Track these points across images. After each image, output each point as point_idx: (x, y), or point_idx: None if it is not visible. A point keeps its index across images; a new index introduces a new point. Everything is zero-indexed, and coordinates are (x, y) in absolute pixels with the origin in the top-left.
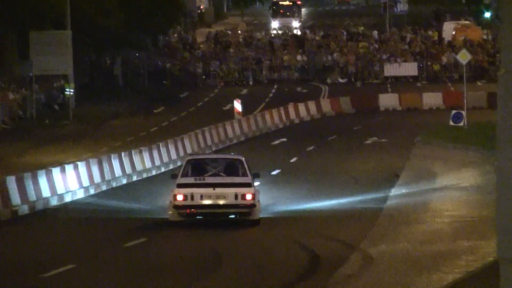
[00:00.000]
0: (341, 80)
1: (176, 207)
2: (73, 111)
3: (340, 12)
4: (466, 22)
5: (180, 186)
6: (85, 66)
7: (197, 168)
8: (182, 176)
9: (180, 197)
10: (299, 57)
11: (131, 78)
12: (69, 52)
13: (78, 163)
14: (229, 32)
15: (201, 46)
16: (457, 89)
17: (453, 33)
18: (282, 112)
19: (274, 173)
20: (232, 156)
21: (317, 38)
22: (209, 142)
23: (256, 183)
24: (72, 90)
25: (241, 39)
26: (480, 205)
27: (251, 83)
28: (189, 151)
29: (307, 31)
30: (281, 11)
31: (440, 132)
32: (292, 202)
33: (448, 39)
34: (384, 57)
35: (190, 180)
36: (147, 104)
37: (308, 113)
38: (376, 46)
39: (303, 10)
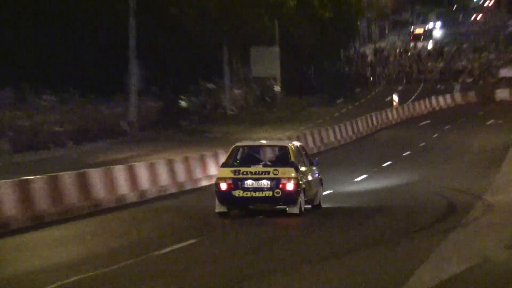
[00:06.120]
0: (468, 80)
1: None
2: (280, 101)
3: (466, 31)
4: None
5: None
6: (290, 71)
7: None
8: None
9: None
10: (439, 64)
11: (320, 79)
12: (277, 61)
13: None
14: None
15: (369, 57)
16: None
17: None
18: (427, 102)
19: (421, 145)
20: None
21: (451, 50)
22: (375, 123)
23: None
24: (279, 87)
25: (397, 52)
26: None
27: (404, 82)
28: (361, 130)
29: (444, 46)
30: (418, 35)
31: None
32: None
33: None
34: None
35: None
36: (331, 97)
37: (445, 102)
38: (494, 55)
39: (444, 30)
